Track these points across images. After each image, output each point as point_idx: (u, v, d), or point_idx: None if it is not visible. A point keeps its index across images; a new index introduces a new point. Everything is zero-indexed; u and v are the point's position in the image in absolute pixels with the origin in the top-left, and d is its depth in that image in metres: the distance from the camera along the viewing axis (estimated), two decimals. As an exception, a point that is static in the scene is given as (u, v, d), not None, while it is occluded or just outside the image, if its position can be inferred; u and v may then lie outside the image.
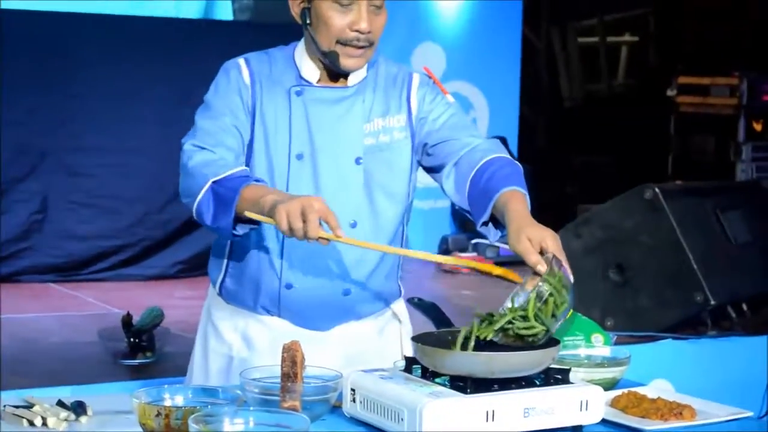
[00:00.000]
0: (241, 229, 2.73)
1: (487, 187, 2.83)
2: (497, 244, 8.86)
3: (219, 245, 3.00)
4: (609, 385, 2.76)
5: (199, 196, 2.74)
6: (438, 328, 3.18)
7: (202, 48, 7.58)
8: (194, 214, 2.78)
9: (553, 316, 2.53)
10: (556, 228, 5.97)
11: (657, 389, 2.76)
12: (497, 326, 2.52)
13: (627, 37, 13.41)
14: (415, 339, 2.58)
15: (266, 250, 2.89)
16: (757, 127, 9.40)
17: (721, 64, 10.42)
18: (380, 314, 3.07)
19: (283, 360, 2.51)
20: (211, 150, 2.82)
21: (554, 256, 2.59)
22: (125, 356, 5.11)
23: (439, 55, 9.52)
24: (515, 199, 2.77)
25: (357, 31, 2.82)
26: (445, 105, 3.02)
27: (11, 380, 4.63)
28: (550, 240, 2.63)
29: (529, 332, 2.51)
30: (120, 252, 7.79)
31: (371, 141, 2.92)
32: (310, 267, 2.89)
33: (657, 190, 5.43)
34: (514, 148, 9.71)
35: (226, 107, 2.89)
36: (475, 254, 8.62)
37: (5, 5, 7.50)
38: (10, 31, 7.53)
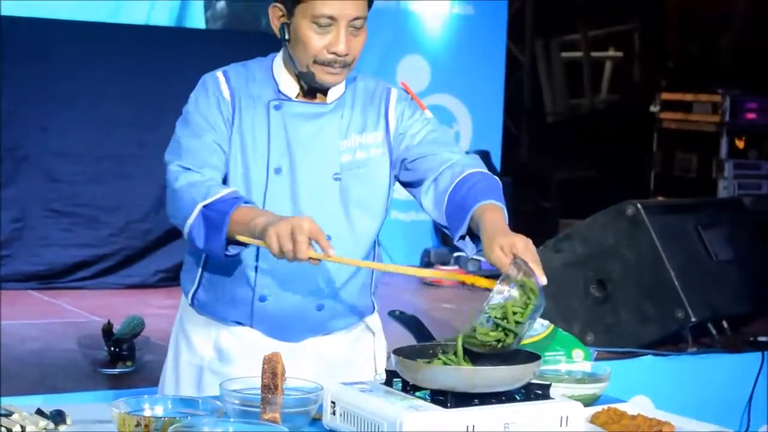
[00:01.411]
0: (233, 250, 2.74)
1: (465, 201, 2.84)
2: (478, 257, 8.86)
3: (192, 256, 3.00)
4: (589, 401, 2.76)
5: (190, 221, 2.75)
6: (419, 341, 3.19)
7: (178, 55, 7.58)
8: (185, 237, 2.80)
9: (518, 322, 2.54)
10: (537, 243, 5.98)
11: (637, 406, 2.76)
12: (462, 336, 2.54)
13: (611, 53, 13.44)
14: (396, 352, 2.58)
15: (240, 263, 2.89)
16: (740, 144, 9.44)
17: (704, 81, 10.45)
18: (353, 328, 3.07)
19: (264, 371, 2.51)
20: (197, 171, 2.82)
21: (520, 259, 2.59)
22: (105, 365, 5.09)
23: (423, 68, 9.53)
24: (491, 211, 2.78)
25: (334, 53, 2.81)
26: (423, 120, 3.03)
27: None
28: (520, 244, 2.63)
29: (487, 339, 2.52)
30: (101, 261, 7.76)
31: (348, 157, 2.92)
32: (284, 280, 2.89)
33: (639, 206, 5.44)
34: (497, 162, 9.72)
35: (207, 123, 2.88)
36: (457, 267, 8.62)
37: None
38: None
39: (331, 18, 2.80)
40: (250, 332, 2.96)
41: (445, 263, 8.71)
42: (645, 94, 11.00)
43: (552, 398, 2.55)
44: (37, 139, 7.71)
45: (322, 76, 2.85)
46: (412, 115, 3.02)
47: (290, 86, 2.92)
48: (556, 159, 11.54)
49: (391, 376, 2.60)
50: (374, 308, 3.12)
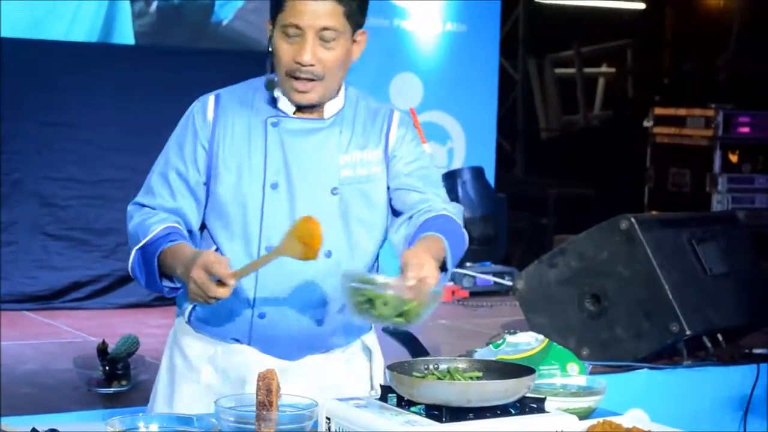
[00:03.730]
0: (179, 282, 2.77)
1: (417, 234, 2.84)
2: (473, 273, 8.86)
3: None
4: (584, 415, 2.76)
5: (131, 261, 2.82)
6: (414, 356, 3.20)
7: (186, 78, 7.58)
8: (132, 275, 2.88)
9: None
10: (531, 258, 6.00)
11: (633, 419, 2.76)
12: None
13: (604, 69, 13.49)
14: (390, 368, 2.58)
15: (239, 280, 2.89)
16: (733, 158, 9.46)
17: (697, 95, 10.49)
18: (350, 346, 3.07)
19: (259, 388, 2.51)
20: (150, 207, 2.87)
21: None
22: (100, 384, 5.08)
23: (416, 85, 9.54)
24: (430, 238, 2.79)
25: (299, 63, 2.80)
26: (419, 152, 3.03)
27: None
28: (430, 272, 2.64)
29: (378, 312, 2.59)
30: (95, 282, 7.76)
31: (348, 173, 2.92)
32: (284, 297, 2.89)
33: (633, 220, 5.44)
34: (491, 178, 9.73)
35: (179, 152, 2.91)
36: (451, 284, 8.61)
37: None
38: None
39: (299, 27, 2.78)
40: (248, 350, 2.96)
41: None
42: (638, 109, 11.04)
43: (547, 412, 2.56)
44: (31, 163, 7.72)
45: (292, 92, 2.85)
46: (410, 142, 3.01)
47: (288, 103, 2.91)
48: (550, 175, 11.56)
49: (386, 391, 2.60)
50: (371, 326, 3.12)
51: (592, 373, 3.46)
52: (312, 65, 2.80)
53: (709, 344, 5.38)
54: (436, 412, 2.45)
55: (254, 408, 2.49)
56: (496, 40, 10.05)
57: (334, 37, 2.81)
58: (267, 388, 2.50)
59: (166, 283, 2.83)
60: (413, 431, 2.38)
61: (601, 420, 2.69)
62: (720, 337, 5.45)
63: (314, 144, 2.91)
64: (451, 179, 9.40)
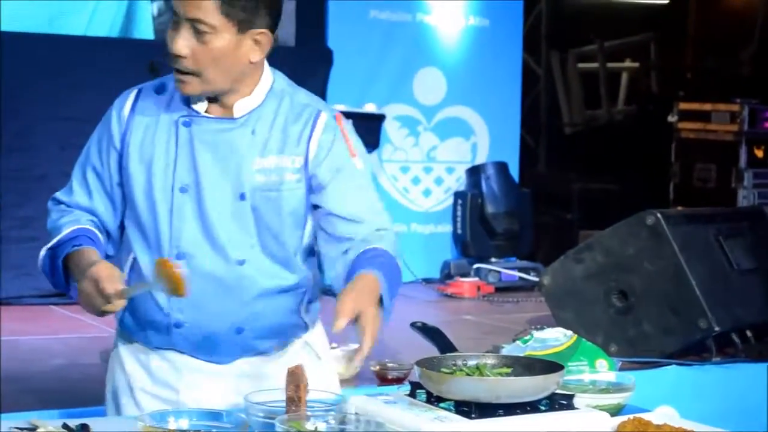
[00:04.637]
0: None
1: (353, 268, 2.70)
2: (498, 269, 8.86)
3: None
4: (614, 411, 2.75)
5: (40, 259, 2.83)
6: (442, 352, 3.18)
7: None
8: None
9: None
10: (557, 254, 5.99)
11: (662, 415, 2.75)
12: None
13: (627, 63, 13.42)
14: (419, 364, 2.58)
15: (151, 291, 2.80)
16: (759, 153, 9.42)
17: (722, 90, 10.43)
18: (288, 346, 2.94)
19: (287, 384, 2.50)
20: (66, 204, 2.85)
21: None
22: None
23: (439, 80, 9.53)
24: (368, 275, 2.65)
25: (171, 53, 2.68)
26: (346, 164, 2.82)
27: (15, 402, 4.62)
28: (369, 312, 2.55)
29: None
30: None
31: (262, 179, 2.77)
32: (197, 305, 2.77)
33: (659, 215, 5.43)
34: (515, 174, 9.71)
35: (95, 152, 2.87)
36: (477, 279, 8.61)
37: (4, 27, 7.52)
38: (8, 54, 7.55)
39: (176, 14, 2.66)
40: (178, 355, 2.87)
41: (465, 275, 8.70)
42: (662, 104, 10.98)
43: (577, 408, 2.54)
44: (53, 159, 7.74)
45: (176, 83, 2.74)
46: (336, 151, 2.80)
47: (200, 102, 2.79)
48: (574, 170, 11.52)
49: (414, 387, 2.59)
50: (307, 327, 2.95)
51: (620, 369, 3.45)
52: (180, 56, 2.67)
53: (738, 341, 5.36)
54: (466, 408, 2.44)
55: (283, 404, 2.49)
56: (519, 35, 10.03)
57: (208, 30, 2.66)
58: (295, 383, 2.50)
59: (75, 285, 2.72)
60: (442, 428, 2.37)
61: (631, 417, 2.67)
62: (749, 333, 5.43)
63: (223, 145, 2.75)
64: (474, 174, 9.39)
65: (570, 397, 2.56)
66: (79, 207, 2.87)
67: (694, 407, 3.04)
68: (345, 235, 2.80)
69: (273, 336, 2.89)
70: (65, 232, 2.79)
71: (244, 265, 2.77)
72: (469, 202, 9.22)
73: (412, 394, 2.58)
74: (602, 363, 3.25)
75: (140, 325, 2.88)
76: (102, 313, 2.62)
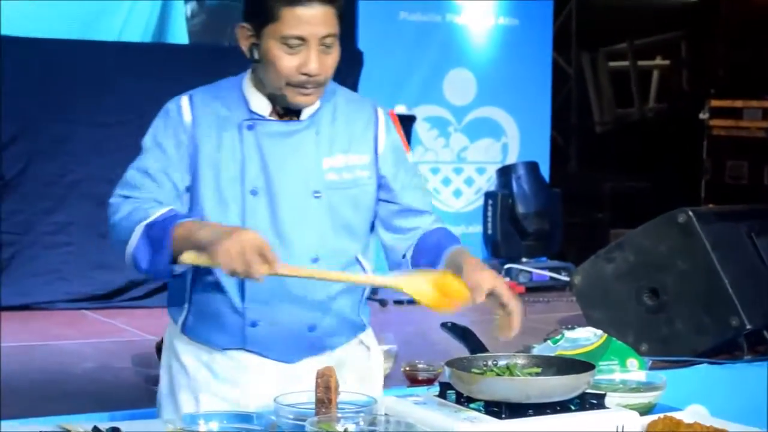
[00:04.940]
0: (179, 269, 2.71)
1: (438, 244, 2.88)
2: (529, 269, 8.84)
3: (178, 283, 2.94)
4: (645, 410, 2.74)
5: (133, 240, 2.71)
6: (472, 353, 3.18)
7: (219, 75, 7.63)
8: (129, 262, 2.75)
9: None
10: (588, 253, 5.98)
11: (693, 414, 2.74)
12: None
13: (658, 61, 13.38)
14: (450, 364, 2.58)
15: (225, 291, 2.83)
16: (791, 149, 9.37)
17: (753, 87, 10.38)
18: (347, 345, 2.99)
19: (317, 385, 2.51)
20: (137, 199, 2.79)
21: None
22: (159, 382, 5.11)
23: (469, 81, 9.54)
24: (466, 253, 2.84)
25: (306, 74, 2.73)
26: (405, 161, 2.97)
27: (47, 406, 4.65)
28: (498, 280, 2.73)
29: None
30: (151, 280, 7.83)
31: (334, 176, 2.84)
32: (273, 304, 2.82)
33: (690, 213, 5.40)
34: (545, 173, 9.70)
35: (160, 151, 2.83)
36: (507, 279, 8.60)
37: (17, 32, 7.56)
38: (35, 60, 7.60)
39: (301, 38, 2.70)
40: (245, 354, 2.90)
41: (496, 275, 8.69)
42: (694, 101, 10.95)
43: (607, 408, 2.54)
44: (86, 165, 7.79)
45: (294, 97, 2.77)
46: (398, 149, 2.96)
47: (262, 105, 2.83)
48: (605, 169, 11.50)
49: (444, 388, 2.59)
50: (364, 326, 3.03)
51: (651, 368, 3.44)
52: (318, 74, 2.74)
53: (769, 339, 5.33)
54: (496, 408, 2.44)
55: (313, 405, 2.49)
56: (549, 35, 10.02)
57: (333, 42, 2.75)
58: (326, 385, 2.50)
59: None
60: (473, 428, 2.37)
61: (661, 416, 2.66)
62: (781, 331, 5.40)
63: (292, 147, 2.82)
64: (505, 174, 9.39)
65: (601, 397, 2.56)
66: (155, 201, 2.81)
67: (725, 406, 3.02)
68: (412, 226, 2.94)
69: (340, 333, 2.95)
70: (164, 210, 2.74)
71: (318, 263, 2.82)
72: (499, 203, 9.22)
73: (442, 395, 2.59)
74: (633, 362, 3.24)
75: (209, 327, 2.90)
76: (252, 274, 2.55)
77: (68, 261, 7.73)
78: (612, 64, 12.87)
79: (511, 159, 9.65)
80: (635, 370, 3.10)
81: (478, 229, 9.37)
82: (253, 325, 2.85)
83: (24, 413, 3.23)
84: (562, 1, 10.94)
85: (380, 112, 2.94)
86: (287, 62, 2.72)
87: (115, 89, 7.81)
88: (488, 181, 9.57)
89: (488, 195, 9.37)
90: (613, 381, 2.89)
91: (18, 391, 5.18)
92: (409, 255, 2.92)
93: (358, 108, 2.92)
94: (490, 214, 9.27)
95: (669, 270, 5.40)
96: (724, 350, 5.30)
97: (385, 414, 2.51)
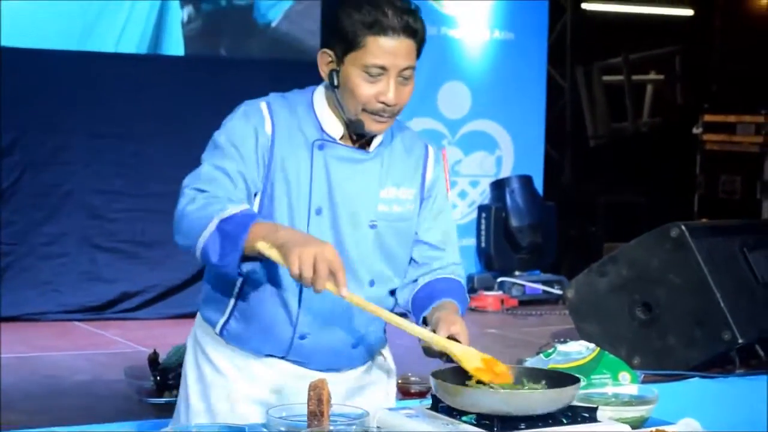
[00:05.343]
0: (245, 267, 2.71)
1: (431, 294, 2.94)
2: (522, 282, 8.85)
3: (219, 287, 2.96)
4: (637, 424, 2.74)
5: (206, 233, 2.69)
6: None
7: (235, 89, 7.63)
8: (197, 253, 2.73)
9: None
10: (582, 267, 5.98)
11: (685, 427, 2.74)
12: None
13: (652, 76, 13.42)
14: (435, 375, 2.58)
15: (283, 299, 2.86)
16: (784, 165, 9.39)
17: (746, 102, 10.41)
18: (372, 361, 3.07)
19: (310, 398, 2.51)
20: (213, 194, 2.79)
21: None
22: (151, 394, 5.11)
23: (464, 94, 9.55)
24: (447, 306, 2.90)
25: (384, 102, 2.79)
26: (445, 200, 3.04)
27: (38, 417, 4.64)
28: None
29: None
30: (144, 292, 7.83)
31: (385, 208, 2.91)
32: (326, 319, 2.88)
33: (683, 228, 5.42)
34: (539, 187, 9.71)
35: (237, 153, 2.83)
36: (501, 293, 8.60)
37: (14, 43, 7.56)
38: (31, 71, 7.61)
39: (382, 68, 2.77)
40: (282, 363, 2.94)
41: (489, 288, 8.71)
42: (687, 116, 10.97)
43: (599, 421, 2.54)
44: (80, 176, 7.79)
45: (370, 124, 2.83)
46: (442, 185, 3.03)
47: (335, 127, 2.88)
48: (598, 183, 11.51)
49: (436, 401, 2.59)
50: (386, 342, 3.10)
51: (643, 382, 3.44)
52: (395, 104, 2.81)
53: (761, 353, 5.34)
54: (487, 421, 2.44)
55: (305, 418, 2.49)
56: (544, 48, 10.04)
57: (411, 74, 2.83)
58: (318, 398, 2.50)
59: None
60: (464, 441, 2.37)
61: (653, 429, 2.67)
62: (773, 345, 5.41)
63: (358, 174, 2.89)
64: (499, 188, 9.40)
65: (593, 410, 2.56)
66: (230, 200, 2.79)
67: (717, 419, 3.03)
68: (426, 260, 3.00)
69: (371, 351, 3.02)
70: (239, 207, 2.71)
71: (374, 287, 2.89)
72: (493, 216, 9.23)
73: (434, 408, 2.58)
74: (625, 376, 3.24)
75: (254, 334, 2.92)
76: (316, 286, 2.55)
77: (61, 272, 7.72)
78: (606, 78, 12.90)
79: (505, 172, 9.66)
80: (627, 384, 3.10)
81: (471, 242, 9.38)
82: (302, 337, 2.89)
83: (16, 425, 3.23)
84: (557, 15, 10.96)
85: (431, 149, 3.01)
86: (366, 90, 2.78)
87: (110, 100, 7.82)
88: (482, 195, 9.57)
89: (482, 208, 9.38)
90: (606, 394, 2.89)
91: (10, 402, 5.16)
92: (408, 300, 2.99)
93: (411, 143, 2.99)
94: (483, 227, 9.28)
95: (662, 284, 5.41)
96: (716, 364, 5.31)
97: (378, 427, 2.51)
